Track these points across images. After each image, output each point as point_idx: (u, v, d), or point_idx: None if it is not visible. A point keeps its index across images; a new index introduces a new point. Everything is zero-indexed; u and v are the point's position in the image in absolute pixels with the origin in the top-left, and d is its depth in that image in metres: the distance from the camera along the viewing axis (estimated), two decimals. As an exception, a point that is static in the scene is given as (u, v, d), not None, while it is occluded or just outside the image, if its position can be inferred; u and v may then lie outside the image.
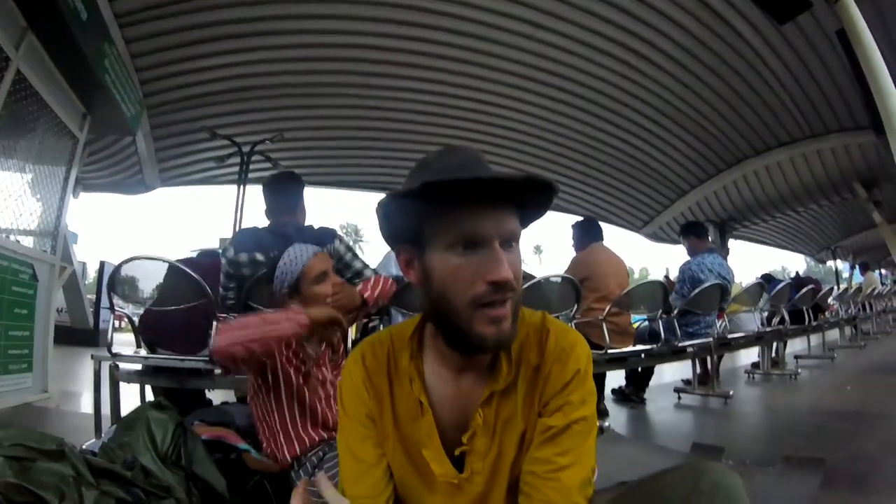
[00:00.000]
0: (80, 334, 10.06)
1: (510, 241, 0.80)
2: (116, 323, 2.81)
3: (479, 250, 0.78)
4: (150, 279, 2.73)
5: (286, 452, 1.64)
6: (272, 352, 1.54)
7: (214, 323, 2.68)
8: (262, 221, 2.65)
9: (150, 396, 3.09)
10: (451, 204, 0.77)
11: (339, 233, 2.61)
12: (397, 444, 0.93)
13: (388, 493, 0.93)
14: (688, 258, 4.51)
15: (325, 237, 2.52)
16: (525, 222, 0.86)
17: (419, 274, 0.84)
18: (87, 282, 13.25)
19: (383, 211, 0.82)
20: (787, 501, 1.74)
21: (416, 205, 0.78)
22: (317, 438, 1.64)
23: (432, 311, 0.85)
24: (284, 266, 1.73)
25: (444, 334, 0.85)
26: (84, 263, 12.89)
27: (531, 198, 0.82)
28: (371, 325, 3.22)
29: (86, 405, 4.43)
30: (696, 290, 4.07)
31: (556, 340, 0.88)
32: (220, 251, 2.66)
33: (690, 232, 4.66)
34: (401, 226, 0.84)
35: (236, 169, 10.86)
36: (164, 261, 2.64)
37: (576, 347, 0.88)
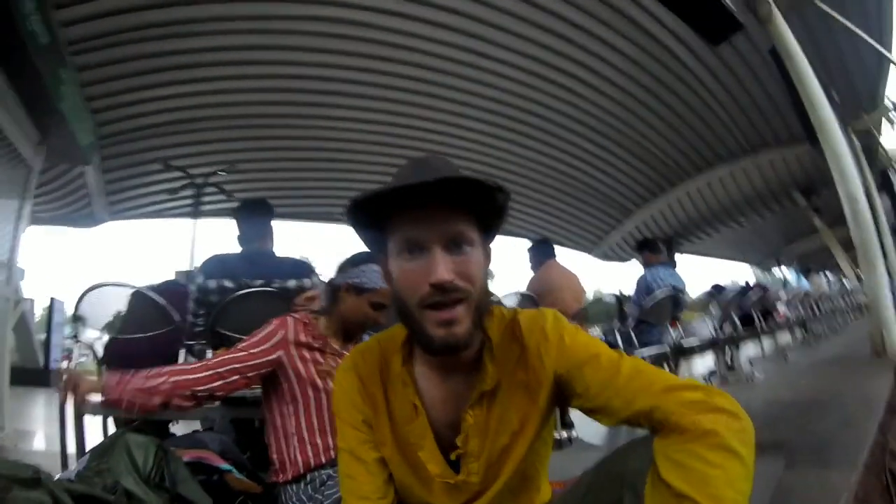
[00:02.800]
0: (30, 374, 9.58)
1: (459, 244, 0.82)
2: (65, 364, 2.71)
3: (421, 254, 0.81)
4: (114, 307, 2.67)
5: (298, 457, 1.61)
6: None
7: (181, 350, 2.65)
8: (221, 251, 2.63)
9: (111, 430, 2.99)
10: (398, 212, 0.81)
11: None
12: (395, 446, 0.95)
13: (391, 493, 0.96)
14: (643, 271, 4.71)
15: (304, 270, 2.54)
16: (490, 228, 0.89)
17: (388, 280, 0.89)
18: (35, 320, 12.61)
19: (350, 223, 0.86)
20: (755, 484, 1.81)
21: (377, 215, 0.83)
22: (331, 445, 1.61)
23: (398, 315, 0.88)
24: (367, 274, 1.72)
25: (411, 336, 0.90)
26: (32, 300, 12.32)
27: (479, 201, 0.83)
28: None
29: (41, 444, 4.23)
30: (650, 303, 4.23)
31: (528, 328, 0.92)
32: (190, 278, 2.63)
33: (644, 247, 4.93)
34: (371, 238, 0.89)
35: (190, 202, 10.70)
36: (130, 286, 2.59)
37: (546, 322, 0.92)
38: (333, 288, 1.76)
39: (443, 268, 0.79)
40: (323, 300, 1.80)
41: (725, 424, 0.73)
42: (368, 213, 0.82)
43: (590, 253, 14.99)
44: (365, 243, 0.91)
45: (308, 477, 1.58)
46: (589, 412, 0.87)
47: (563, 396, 0.90)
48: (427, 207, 0.80)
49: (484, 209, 0.86)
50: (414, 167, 0.85)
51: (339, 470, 0.98)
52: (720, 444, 0.71)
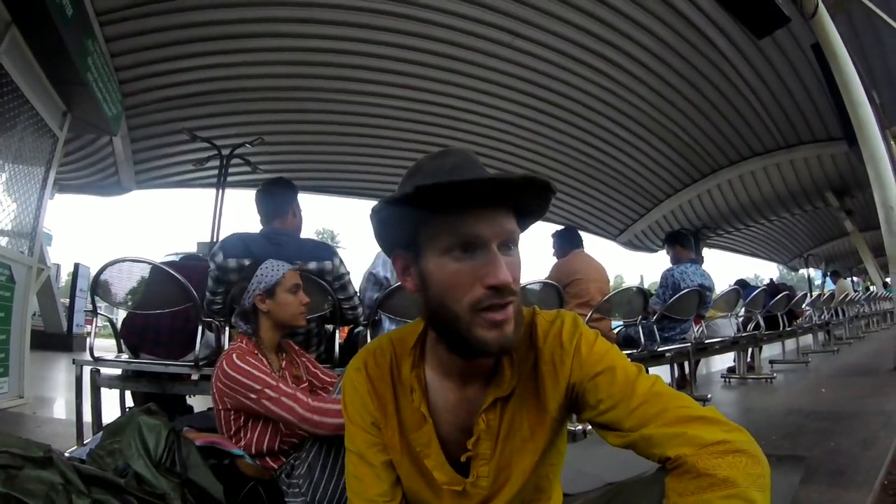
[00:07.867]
0: (54, 339, 9.82)
1: (508, 244, 0.78)
2: (87, 328, 2.74)
3: (476, 254, 0.76)
4: (133, 282, 2.67)
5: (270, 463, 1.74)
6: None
7: (200, 328, 2.65)
8: (241, 224, 2.63)
9: (128, 402, 3.04)
10: (446, 207, 0.75)
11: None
12: (403, 452, 0.93)
13: (399, 496, 0.94)
14: (671, 266, 4.59)
15: (324, 253, 2.53)
16: (524, 224, 0.85)
17: (416, 280, 0.83)
18: (60, 285, 12.88)
19: (377, 217, 0.81)
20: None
21: (411, 209, 0.77)
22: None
23: (431, 318, 0.83)
24: (263, 274, 1.88)
25: (445, 340, 0.84)
26: (58, 266, 12.58)
27: (529, 199, 0.80)
28: (356, 330, 3.20)
29: (62, 411, 4.32)
30: (677, 295, 4.14)
31: (544, 334, 0.88)
32: (209, 256, 2.61)
33: (675, 241, 4.75)
34: (395, 231, 0.83)
35: (215, 172, 10.71)
36: (149, 263, 2.58)
37: (563, 329, 0.87)
38: (246, 312, 1.86)
39: (504, 268, 0.75)
40: (242, 328, 1.89)
41: (744, 470, 0.68)
42: (409, 206, 0.77)
43: (614, 240, 14.93)
44: (383, 237, 0.87)
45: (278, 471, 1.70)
46: (599, 427, 0.83)
47: (575, 407, 0.87)
48: (481, 204, 0.76)
49: (526, 208, 0.82)
50: (461, 162, 0.81)
51: (347, 470, 0.96)
52: (738, 494, 0.66)
